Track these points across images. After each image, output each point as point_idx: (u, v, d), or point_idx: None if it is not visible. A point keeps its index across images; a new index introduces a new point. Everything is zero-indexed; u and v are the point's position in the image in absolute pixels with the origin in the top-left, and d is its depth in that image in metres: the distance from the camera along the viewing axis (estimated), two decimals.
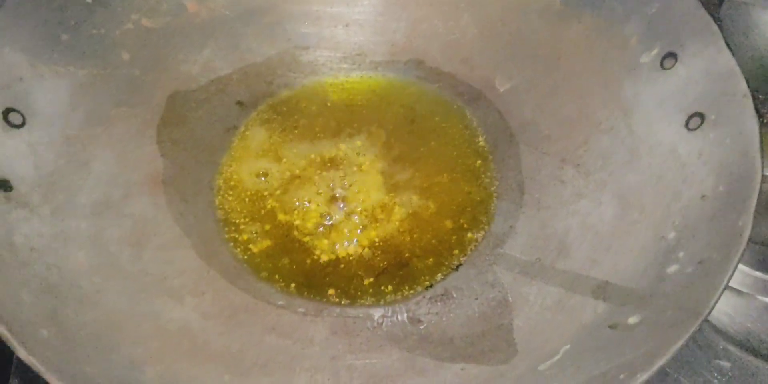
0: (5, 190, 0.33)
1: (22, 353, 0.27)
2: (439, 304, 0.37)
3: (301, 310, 0.36)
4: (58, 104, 0.37)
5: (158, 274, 0.36)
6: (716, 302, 0.28)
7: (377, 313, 0.37)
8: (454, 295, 0.37)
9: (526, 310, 0.35)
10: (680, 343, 0.27)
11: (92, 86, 0.38)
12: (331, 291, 0.38)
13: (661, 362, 0.27)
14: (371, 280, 0.38)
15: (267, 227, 0.40)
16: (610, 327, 0.31)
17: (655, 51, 0.37)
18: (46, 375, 0.26)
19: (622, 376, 0.27)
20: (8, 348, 0.27)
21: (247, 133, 0.43)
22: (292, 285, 0.38)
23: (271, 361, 0.33)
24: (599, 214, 0.37)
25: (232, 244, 0.39)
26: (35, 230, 0.33)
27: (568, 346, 0.31)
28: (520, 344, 0.33)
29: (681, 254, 0.31)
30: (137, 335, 0.33)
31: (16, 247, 0.32)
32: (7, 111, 0.34)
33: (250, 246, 0.39)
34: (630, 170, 0.37)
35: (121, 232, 0.36)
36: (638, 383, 0.26)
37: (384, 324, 0.36)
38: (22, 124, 0.35)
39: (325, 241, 0.39)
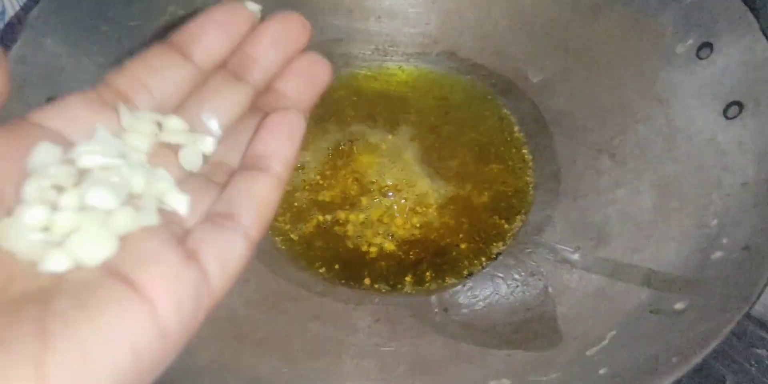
0: None
1: None
2: (478, 292, 0.37)
3: (342, 298, 0.37)
4: None
5: None
6: (765, 286, 0.28)
7: (418, 301, 0.37)
8: (494, 284, 0.37)
9: (568, 298, 0.35)
10: (731, 325, 0.27)
11: None
12: (367, 280, 0.38)
13: (713, 345, 0.27)
14: (411, 269, 0.38)
15: (305, 217, 0.40)
16: (653, 312, 0.32)
17: (691, 41, 0.37)
18: None
19: (674, 360, 0.27)
20: None
21: None
22: (332, 274, 0.38)
23: (316, 348, 0.34)
24: (638, 203, 0.37)
25: (272, 233, 0.39)
26: None
27: (614, 332, 0.32)
28: (565, 331, 0.34)
29: (725, 241, 0.32)
30: None
31: None
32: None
33: (291, 235, 0.39)
34: (668, 159, 0.37)
35: None
36: (692, 365, 0.27)
37: (425, 312, 0.36)
38: None
39: (363, 230, 0.39)
